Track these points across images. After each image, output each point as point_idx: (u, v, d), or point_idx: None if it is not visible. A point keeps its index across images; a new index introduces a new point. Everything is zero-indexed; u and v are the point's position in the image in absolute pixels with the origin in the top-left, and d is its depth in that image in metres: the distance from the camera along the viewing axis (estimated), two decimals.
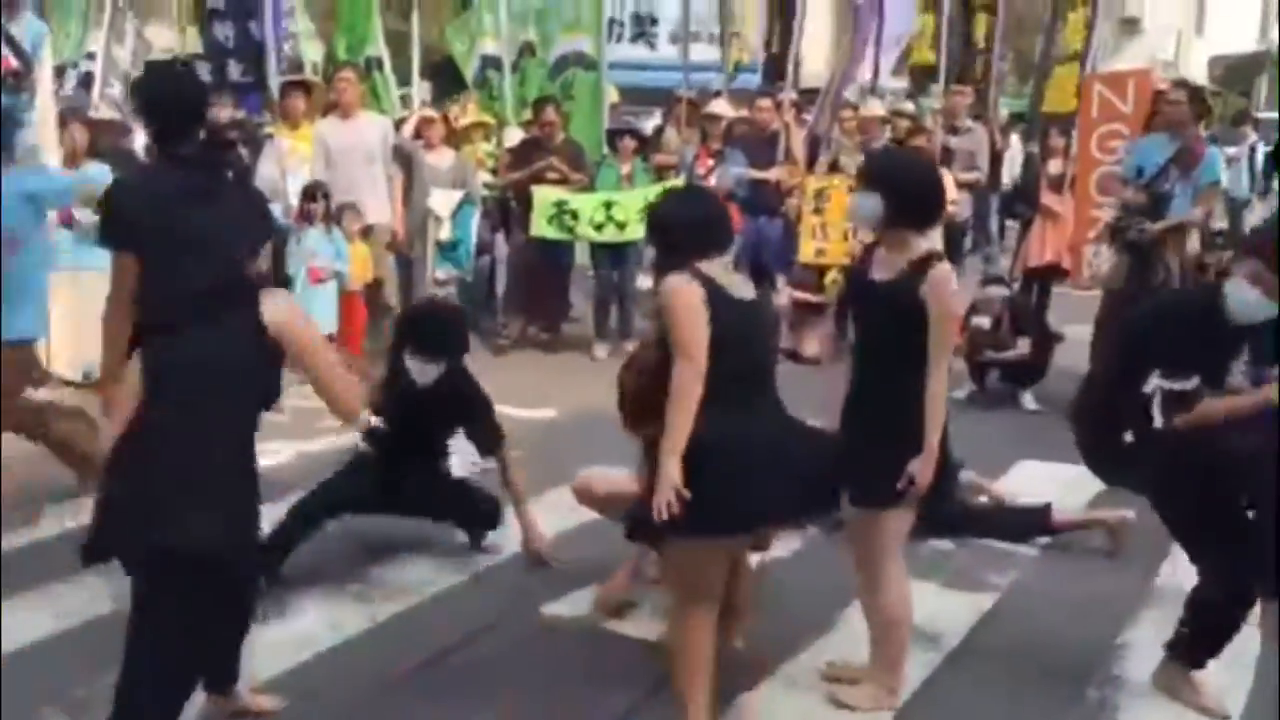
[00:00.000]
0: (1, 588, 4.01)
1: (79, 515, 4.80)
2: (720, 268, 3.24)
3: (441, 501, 4.69)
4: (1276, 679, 3.43)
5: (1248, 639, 3.60)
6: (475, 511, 4.72)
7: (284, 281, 7.83)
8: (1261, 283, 3.39)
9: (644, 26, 24.07)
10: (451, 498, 4.72)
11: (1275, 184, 6.73)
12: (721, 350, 3.07)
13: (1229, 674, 3.64)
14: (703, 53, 12.45)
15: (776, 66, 10.32)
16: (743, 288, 3.29)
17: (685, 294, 3.10)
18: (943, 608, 4.19)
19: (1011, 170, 10.79)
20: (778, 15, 11.60)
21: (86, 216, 6.87)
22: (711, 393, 3.06)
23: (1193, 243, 6.67)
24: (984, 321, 7.29)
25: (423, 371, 4.46)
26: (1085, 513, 5.06)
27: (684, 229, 3.26)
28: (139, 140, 8.44)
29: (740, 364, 3.13)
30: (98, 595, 4.03)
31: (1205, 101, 7.12)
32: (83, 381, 6.97)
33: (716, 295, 3.11)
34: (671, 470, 3.00)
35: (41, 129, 6.81)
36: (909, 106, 10.48)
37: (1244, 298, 3.42)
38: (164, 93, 3.40)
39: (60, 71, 10.44)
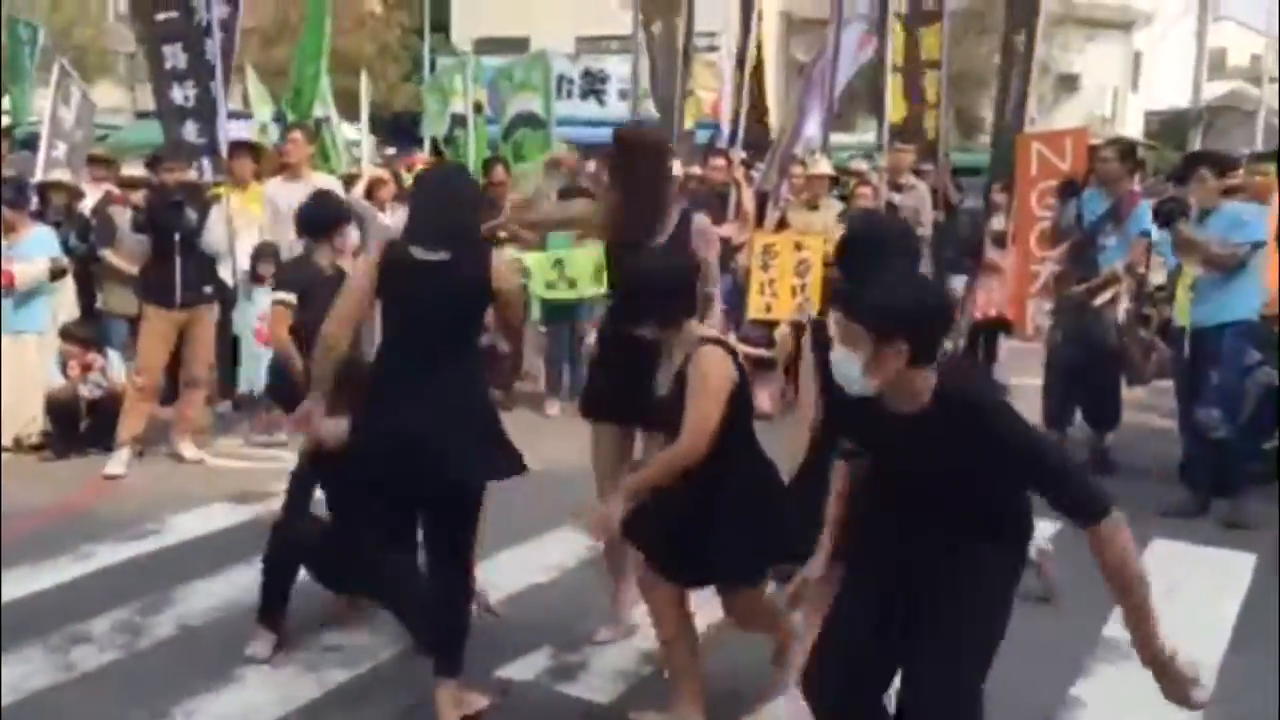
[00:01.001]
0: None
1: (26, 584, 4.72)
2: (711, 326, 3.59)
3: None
4: None
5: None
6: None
7: (231, 342, 7.78)
8: (850, 342, 2.50)
9: (594, 83, 24.36)
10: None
11: (1154, 235, 6.92)
12: (743, 401, 3.38)
13: None
14: (652, 109, 12.61)
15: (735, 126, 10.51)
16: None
17: (725, 374, 3.33)
18: None
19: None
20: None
21: (27, 280, 6.81)
22: (737, 440, 3.35)
23: (1123, 297, 6.81)
24: None
25: None
26: None
27: (678, 289, 3.45)
28: (89, 201, 8.39)
29: (750, 412, 3.45)
30: (38, 668, 3.97)
31: (1136, 156, 7.32)
32: (13, 447, 6.83)
33: (735, 357, 3.39)
34: (616, 507, 3.42)
35: None
36: (863, 164, 10.62)
37: (838, 366, 2.56)
38: None
39: (6, 134, 10.38)
